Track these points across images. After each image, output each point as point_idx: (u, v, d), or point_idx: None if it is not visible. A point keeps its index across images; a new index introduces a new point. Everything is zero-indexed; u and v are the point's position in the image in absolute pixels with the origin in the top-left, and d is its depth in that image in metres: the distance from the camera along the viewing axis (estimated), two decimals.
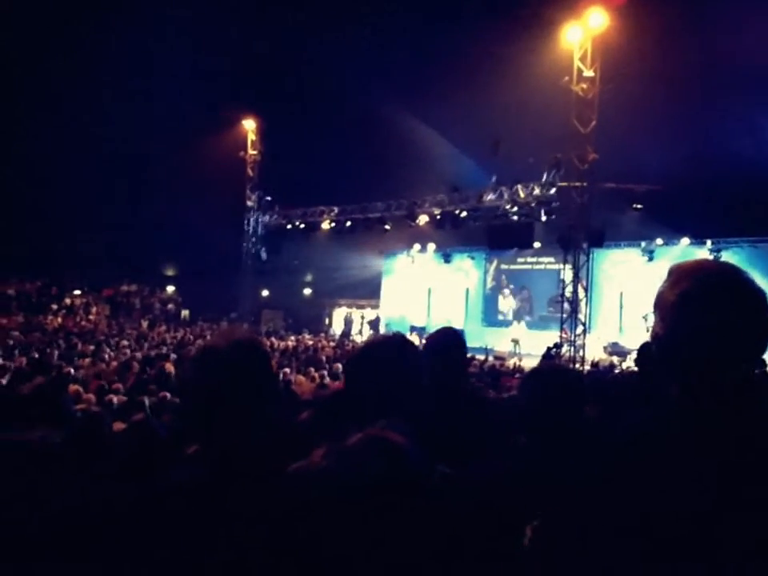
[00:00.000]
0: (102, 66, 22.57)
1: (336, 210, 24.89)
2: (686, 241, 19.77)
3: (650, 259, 20.28)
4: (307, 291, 31.66)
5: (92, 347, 14.92)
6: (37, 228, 23.48)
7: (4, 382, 9.09)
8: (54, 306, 25.55)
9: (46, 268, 25.78)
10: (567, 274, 17.97)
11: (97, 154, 24.71)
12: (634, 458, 1.25)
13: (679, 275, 1.35)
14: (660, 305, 1.36)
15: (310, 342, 19.94)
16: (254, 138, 27.44)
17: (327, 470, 1.07)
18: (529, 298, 23.93)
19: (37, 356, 12.85)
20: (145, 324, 24.25)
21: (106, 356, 13.45)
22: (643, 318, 12.58)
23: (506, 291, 24.54)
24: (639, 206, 18.17)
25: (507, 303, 24.56)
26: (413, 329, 22.41)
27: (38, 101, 22.91)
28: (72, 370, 10.52)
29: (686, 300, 1.30)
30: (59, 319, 23.52)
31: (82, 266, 25.66)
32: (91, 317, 25.29)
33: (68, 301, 26.40)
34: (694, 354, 1.28)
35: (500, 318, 24.48)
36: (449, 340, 2.84)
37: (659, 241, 20.16)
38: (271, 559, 0.92)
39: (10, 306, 24.46)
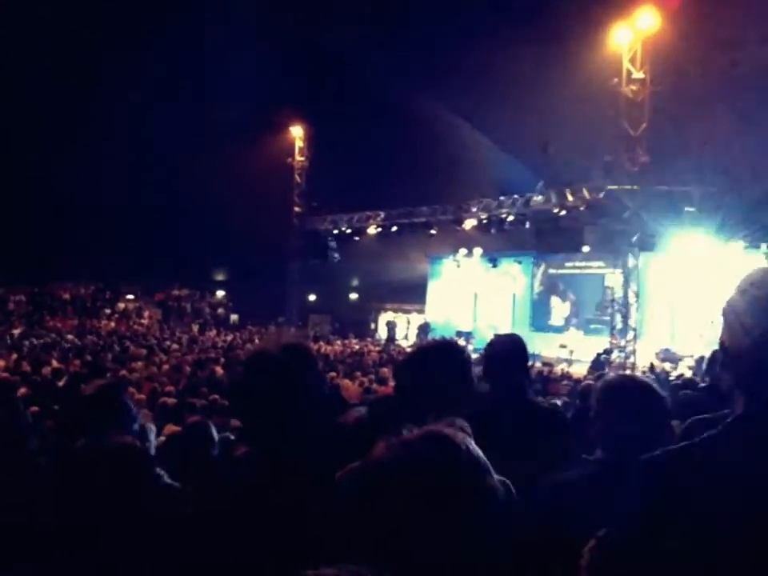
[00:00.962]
0: (154, 73, 23.09)
1: (382, 214, 24.97)
2: (740, 245, 19.22)
3: (703, 264, 19.78)
4: (353, 296, 31.81)
5: (144, 350, 15.26)
6: (91, 234, 24.12)
7: (61, 384, 9.37)
8: (108, 310, 26.25)
9: (100, 273, 26.47)
10: (617, 279, 17.66)
11: (148, 161, 25.29)
12: (703, 483, 1.22)
13: (749, 282, 1.31)
14: (728, 312, 1.34)
15: (357, 347, 20.05)
16: (301, 144, 27.74)
17: (387, 462, 1.09)
18: (575, 302, 23.53)
19: (91, 359, 13.21)
20: (195, 328, 24.74)
21: (158, 359, 13.73)
22: (710, 323, 12.30)
23: (561, 296, 24.05)
24: (692, 209, 17.75)
25: (563, 308, 24.06)
26: (459, 334, 22.29)
27: (88, 109, 23.51)
28: (125, 373, 10.79)
29: (754, 307, 1.27)
30: (113, 323, 24.15)
31: (135, 271, 26.26)
32: (143, 321, 25.89)
33: (121, 305, 27.08)
34: (760, 365, 1.25)
35: (554, 323, 23.92)
36: (512, 346, 2.83)
37: (712, 245, 19.64)
38: (330, 554, 0.94)
39: (65, 310, 25.22)
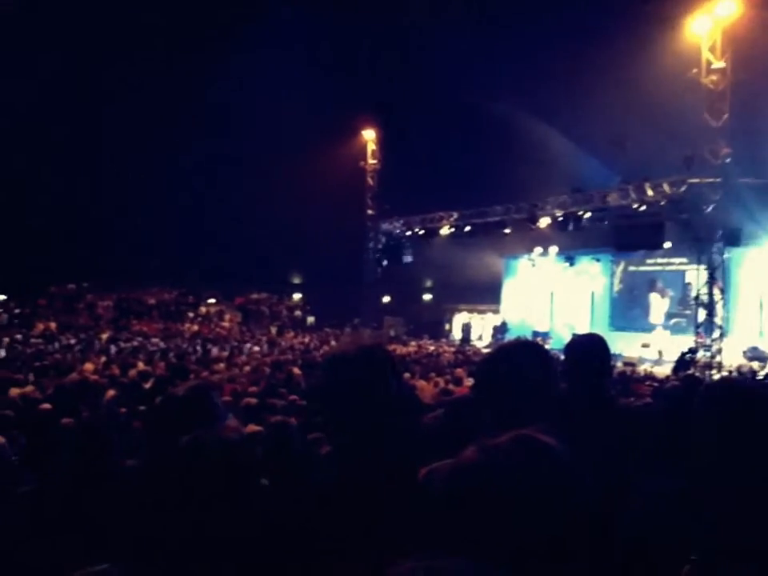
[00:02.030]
0: (229, 77, 23.66)
1: (455, 215, 24.86)
2: None
3: None
4: (427, 297, 31.78)
5: (226, 353, 15.68)
6: (174, 242, 24.97)
7: (147, 386, 9.71)
8: (191, 314, 27.10)
9: (183, 279, 27.35)
10: (700, 275, 17.04)
11: (226, 169, 25.97)
12: None
13: None
14: None
15: (431, 348, 20.01)
16: (373, 147, 27.94)
17: (478, 464, 1.09)
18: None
19: (176, 361, 13.66)
20: (274, 330, 25.24)
21: (239, 361, 14.08)
22: None
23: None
24: None
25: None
26: (535, 334, 21.94)
27: (168, 116, 24.27)
28: (207, 375, 11.10)
29: None
30: (195, 326, 24.89)
31: (216, 276, 27.02)
32: (224, 324, 26.61)
33: (203, 309, 27.91)
34: None
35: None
36: (593, 346, 2.77)
37: None
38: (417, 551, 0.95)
39: (150, 315, 26.17)
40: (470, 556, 0.94)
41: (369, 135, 27.84)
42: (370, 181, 28.05)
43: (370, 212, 28.05)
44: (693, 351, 16.43)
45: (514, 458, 1.07)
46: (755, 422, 1.77)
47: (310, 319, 29.37)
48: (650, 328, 22.38)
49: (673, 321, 22.04)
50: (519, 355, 2.02)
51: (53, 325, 21.64)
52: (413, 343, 21.48)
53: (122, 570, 1.53)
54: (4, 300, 22.47)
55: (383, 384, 1.70)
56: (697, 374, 14.25)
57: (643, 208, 18.86)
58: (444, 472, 1.16)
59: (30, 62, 19.86)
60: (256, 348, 17.38)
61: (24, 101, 19.76)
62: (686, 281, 21.48)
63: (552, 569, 1.03)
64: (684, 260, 20.88)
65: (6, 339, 16.37)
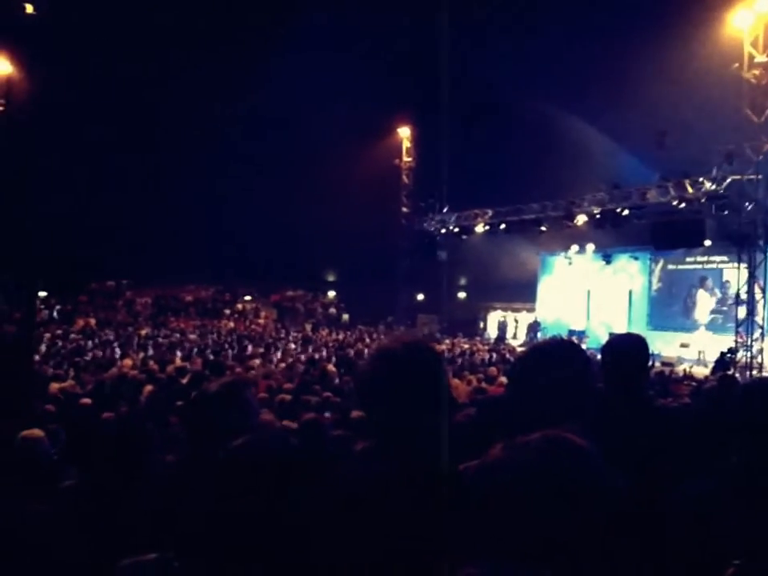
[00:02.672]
0: (266, 78, 23.84)
1: (490, 212, 24.73)
2: None
3: None
4: (462, 295, 31.67)
5: (261, 349, 15.81)
6: (211, 240, 25.27)
7: (184, 381, 9.84)
8: (227, 311, 27.40)
9: (220, 276, 27.68)
10: (740, 274, 16.70)
11: (262, 168, 26.17)
12: None
13: None
14: None
15: (465, 346, 19.94)
16: (408, 145, 27.95)
17: (506, 463, 1.09)
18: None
19: (212, 358, 13.83)
20: (308, 327, 25.39)
21: (274, 358, 14.20)
22: None
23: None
24: None
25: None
26: (571, 332, 21.72)
27: (205, 116, 24.56)
28: (241, 371, 11.22)
29: None
30: (232, 323, 25.16)
31: (252, 273, 27.29)
32: (260, 321, 26.85)
33: (239, 306, 28.21)
34: None
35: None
36: (632, 346, 2.72)
37: None
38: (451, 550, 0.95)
39: (188, 311, 26.53)
40: (502, 555, 0.94)
41: (404, 133, 27.87)
42: (405, 179, 28.07)
43: (404, 210, 28.07)
44: (732, 351, 16.12)
45: (542, 456, 1.06)
46: None
47: (345, 316, 29.48)
48: (690, 327, 21.93)
49: (711, 318, 21.61)
50: (555, 354, 1.99)
51: (92, 321, 22.07)
52: (447, 341, 21.41)
53: (169, 560, 1.55)
54: (45, 297, 22.97)
55: (429, 380, 1.70)
56: (737, 374, 13.97)
57: (683, 205, 18.54)
58: (472, 470, 1.15)
59: (71, 61, 20.26)
60: (291, 345, 17.50)
61: (65, 100, 20.15)
62: (724, 279, 21.04)
63: (588, 570, 1.02)
64: (724, 258, 20.47)
65: (47, 335, 16.73)
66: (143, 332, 19.98)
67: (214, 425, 2.20)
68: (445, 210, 26.45)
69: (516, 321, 27.67)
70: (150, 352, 14.96)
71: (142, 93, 23.76)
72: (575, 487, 1.04)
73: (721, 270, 21.19)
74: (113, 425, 2.84)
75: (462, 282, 31.85)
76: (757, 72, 15.71)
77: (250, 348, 16.20)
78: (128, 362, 12.59)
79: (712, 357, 17.54)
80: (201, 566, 1.45)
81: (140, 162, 24.59)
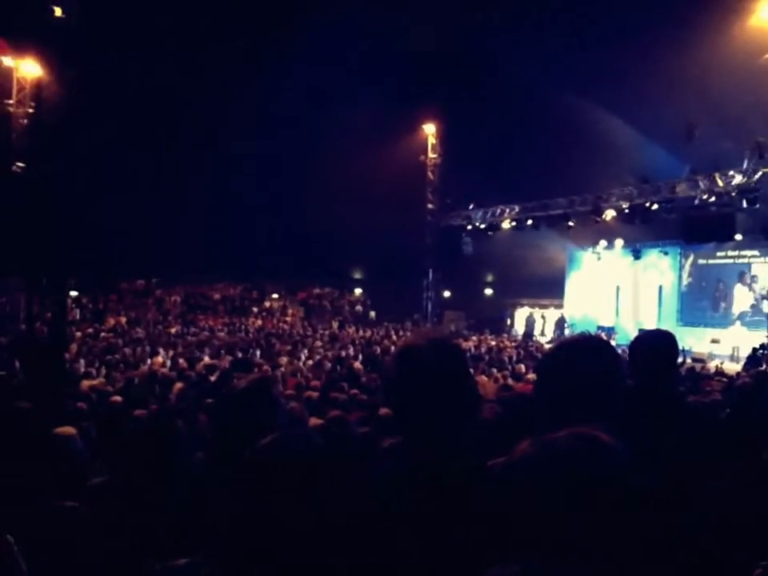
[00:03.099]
0: (290, 73, 23.94)
1: (517, 208, 24.58)
2: None
3: None
4: (489, 291, 31.53)
5: (289, 347, 15.89)
6: (238, 238, 25.45)
7: (213, 379, 9.94)
8: (255, 309, 27.59)
9: (248, 274, 27.88)
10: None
11: (289, 166, 26.31)
12: None
13: None
14: None
15: (492, 343, 19.84)
16: (433, 141, 27.88)
17: (533, 459, 1.08)
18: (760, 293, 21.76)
19: (241, 355, 13.94)
20: (335, 324, 25.47)
21: (302, 355, 14.26)
22: None
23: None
24: None
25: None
26: (600, 329, 21.50)
27: (227, 113, 24.71)
28: (268, 369, 11.29)
29: None
30: (259, 321, 25.32)
31: (279, 271, 27.45)
32: (287, 318, 26.99)
33: (267, 304, 28.38)
34: None
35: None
36: (661, 342, 2.69)
37: None
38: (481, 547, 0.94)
39: (216, 309, 26.77)
40: (530, 554, 0.93)
41: (429, 129, 27.79)
42: (431, 175, 27.99)
43: (430, 206, 28.00)
44: (764, 347, 15.85)
45: (570, 454, 1.05)
46: None
47: (372, 313, 29.52)
48: (723, 323, 21.54)
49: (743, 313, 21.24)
50: (583, 350, 1.96)
51: (123, 319, 22.36)
52: (473, 338, 21.32)
53: (198, 566, 1.56)
54: (76, 296, 23.33)
55: (454, 377, 1.70)
56: None
57: (713, 199, 18.26)
58: (499, 467, 1.15)
59: (98, 64, 20.53)
60: (318, 342, 17.57)
61: (92, 102, 20.43)
62: (752, 273, 20.69)
63: (617, 568, 1.01)
64: (756, 252, 20.11)
65: (79, 334, 16.98)
66: (173, 330, 20.19)
67: (242, 421, 2.22)
68: (471, 207, 26.33)
69: (543, 317, 27.48)
70: (180, 350, 15.11)
71: (168, 93, 23.97)
72: (603, 485, 1.03)
73: (750, 264, 20.82)
74: (143, 422, 2.86)
75: (489, 278, 31.69)
76: None
77: (277, 346, 16.29)
78: (158, 359, 12.75)
79: (746, 353, 17.25)
80: (229, 569, 1.45)
81: (167, 162, 24.82)
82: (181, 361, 12.27)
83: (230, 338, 18.22)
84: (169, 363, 12.46)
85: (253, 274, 27.82)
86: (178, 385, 8.59)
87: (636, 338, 2.77)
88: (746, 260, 21.19)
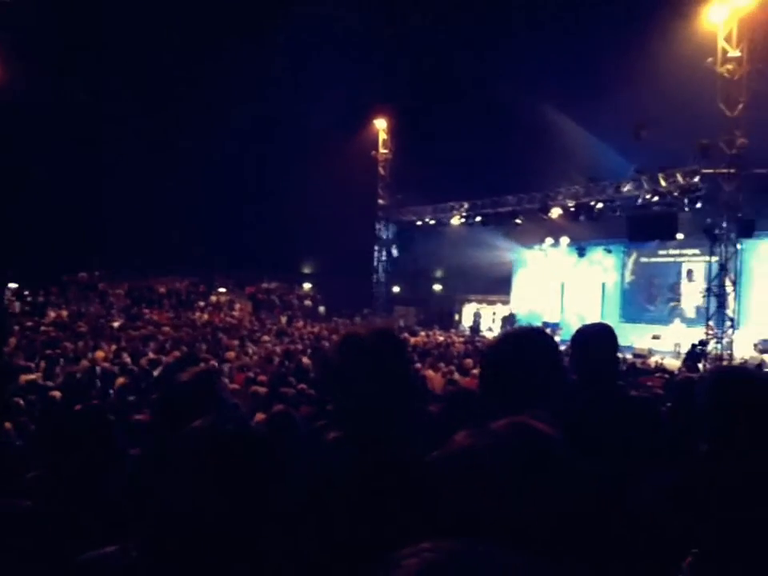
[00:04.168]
0: (244, 68, 23.64)
1: (466, 205, 24.80)
2: None
3: None
4: (438, 287, 31.75)
5: (236, 342, 15.70)
6: (186, 232, 25.03)
7: (156, 374, 9.77)
8: (202, 303, 27.15)
9: (195, 268, 27.45)
10: (713, 267, 16.95)
11: (238, 158, 25.98)
12: None
13: None
14: None
15: (441, 338, 19.98)
16: (385, 137, 27.89)
17: (470, 449, 1.07)
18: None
19: (186, 350, 13.71)
20: (284, 319, 25.27)
21: (250, 350, 14.11)
22: None
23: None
24: None
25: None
26: (546, 325, 21.86)
27: (179, 107, 24.31)
28: (218, 364, 11.14)
29: None
30: (206, 315, 24.94)
31: (227, 265, 27.12)
32: (235, 313, 26.64)
33: (214, 298, 27.96)
34: None
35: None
36: (600, 335, 2.73)
37: None
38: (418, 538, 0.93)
39: (161, 303, 26.25)
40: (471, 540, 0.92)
41: (380, 125, 27.79)
42: (382, 170, 28.02)
43: (381, 202, 28.03)
44: (703, 343, 16.34)
45: (506, 443, 1.05)
46: (749, 407, 1.78)
47: (321, 308, 29.41)
48: (665, 320, 22.11)
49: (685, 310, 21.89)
50: (525, 342, 1.99)
51: (64, 313, 21.74)
52: (422, 333, 21.44)
53: (128, 553, 1.51)
54: (16, 288, 22.58)
55: (393, 366, 1.69)
56: (708, 366, 14.18)
57: (656, 199, 18.73)
58: (437, 457, 1.14)
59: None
60: (266, 337, 17.40)
61: (42, 89, 19.85)
62: (693, 272, 21.39)
63: (553, 557, 1.01)
64: (697, 251, 20.72)
65: (18, 327, 16.44)
66: (116, 324, 19.73)
67: (185, 415, 2.16)
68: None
69: (494, 313, 27.81)
70: (123, 344, 14.77)
71: (119, 88, 23.44)
72: (540, 474, 1.03)
73: (691, 263, 21.50)
74: (79, 417, 2.78)
75: (439, 274, 31.92)
76: (730, 66, 15.88)
77: (224, 340, 16.08)
78: (100, 354, 12.43)
79: (687, 349, 17.76)
80: (157, 555, 1.41)
81: (114, 154, 24.28)
82: (124, 355, 12.01)
83: (176, 333, 17.90)
84: (112, 358, 12.17)
85: (200, 268, 27.40)
86: (121, 380, 8.41)
87: (577, 331, 2.81)
88: (687, 259, 21.83)
